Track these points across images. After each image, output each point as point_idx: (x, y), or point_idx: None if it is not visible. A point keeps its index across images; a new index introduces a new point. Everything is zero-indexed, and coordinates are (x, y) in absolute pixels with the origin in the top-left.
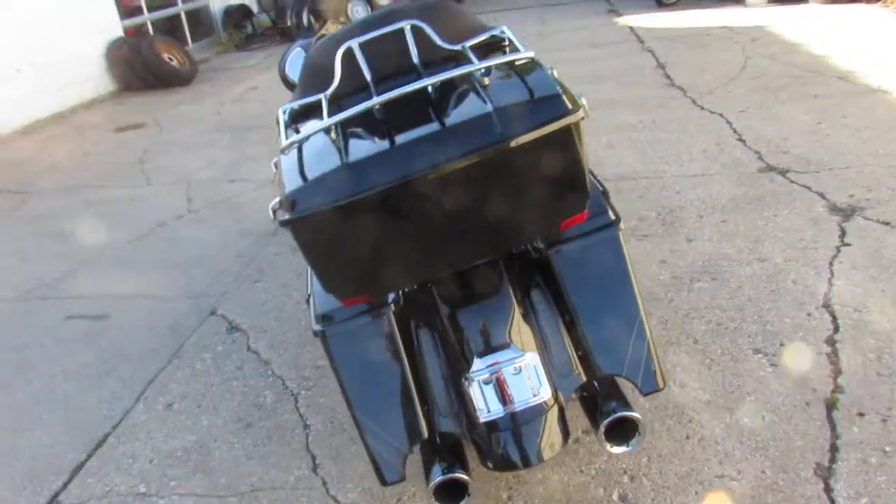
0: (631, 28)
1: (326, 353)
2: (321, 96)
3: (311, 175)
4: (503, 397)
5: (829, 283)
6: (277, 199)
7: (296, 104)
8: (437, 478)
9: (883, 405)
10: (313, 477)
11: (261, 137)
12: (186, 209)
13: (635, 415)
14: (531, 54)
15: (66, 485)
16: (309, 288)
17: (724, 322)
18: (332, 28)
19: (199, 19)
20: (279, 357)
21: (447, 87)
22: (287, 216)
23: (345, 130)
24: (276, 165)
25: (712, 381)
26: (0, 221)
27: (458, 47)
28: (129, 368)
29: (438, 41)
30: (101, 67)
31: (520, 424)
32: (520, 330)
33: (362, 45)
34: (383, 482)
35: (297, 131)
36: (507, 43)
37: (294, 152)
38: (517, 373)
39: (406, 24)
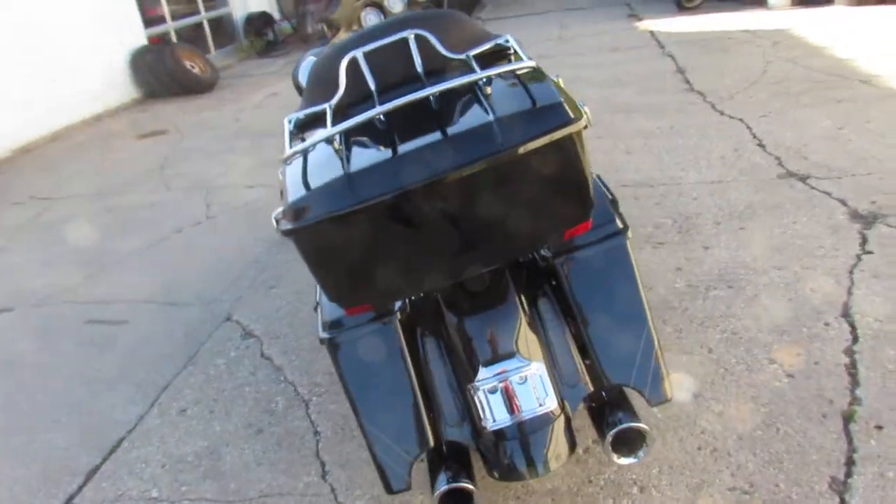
0: (651, 32)
1: (332, 360)
2: (326, 106)
3: (313, 185)
4: (509, 406)
5: (848, 293)
6: (280, 209)
7: (301, 114)
8: (443, 487)
9: None
10: (322, 484)
11: (279, 143)
12: (204, 215)
13: (642, 426)
14: (532, 63)
15: (80, 488)
16: (317, 295)
17: (739, 331)
18: (344, 36)
19: (221, 27)
20: (291, 363)
21: (450, 97)
22: (289, 226)
23: (347, 140)
24: (282, 174)
25: (726, 391)
26: (24, 229)
27: (461, 56)
28: (145, 373)
29: (442, 50)
30: (125, 75)
31: (526, 434)
32: (526, 339)
33: (367, 55)
34: (389, 490)
35: (302, 140)
36: (511, 52)
37: (298, 162)
38: (522, 382)
39: (410, 34)
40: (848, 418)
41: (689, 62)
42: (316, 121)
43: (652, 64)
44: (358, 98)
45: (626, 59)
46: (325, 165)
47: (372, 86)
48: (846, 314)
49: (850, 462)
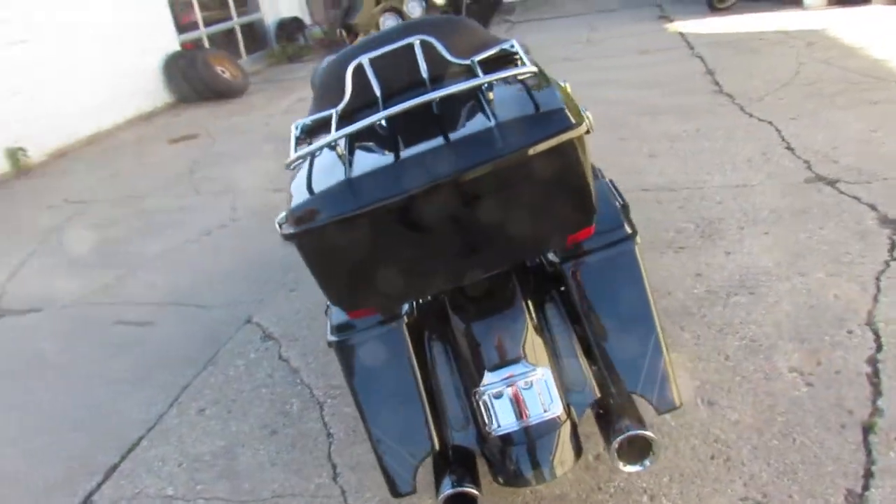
0: (681, 34)
1: (340, 363)
2: (332, 111)
3: (316, 189)
4: (515, 412)
5: (874, 300)
6: (283, 213)
7: (308, 119)
8: (447, 490)
9: None
10: (333, 485)
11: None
12: (230, 218)
13: (649, 434)
14: (534, 69)
15: (99, 485)
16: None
17: (758, 338)
18: None
19: (253, 32)
20: (308, 366)
21: (453, 102)
22: (291, 230)
23: (351, 145)
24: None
25: (742, 399)
26: (57, 231)
27: (466, 62)
28: (167, 374)
29: (447, 56)
30: (158, 80)
31: (531, 439)
32: (532, 344)
33: (373, 61)
34: (394, 493)
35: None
36: (517, 57)
37: (304, 167)
38: (528, 387)
39: (416, 40)
40: (868, 429)
41: (719, 63)
42: (323, 126)
43: (681, 66)
44: (364, 103)
45: (655, 61)
46: (328, 170)
47: (377, 91)
48: (870, 322)
49: (868, 474)
